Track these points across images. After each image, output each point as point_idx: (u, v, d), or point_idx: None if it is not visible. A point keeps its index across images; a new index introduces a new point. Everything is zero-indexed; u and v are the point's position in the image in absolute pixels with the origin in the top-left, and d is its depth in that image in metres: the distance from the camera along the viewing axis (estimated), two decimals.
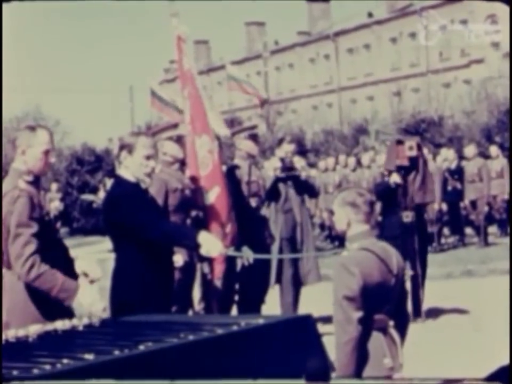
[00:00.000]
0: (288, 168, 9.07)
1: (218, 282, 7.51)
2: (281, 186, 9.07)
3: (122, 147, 5.25)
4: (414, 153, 9.57)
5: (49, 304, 4.77)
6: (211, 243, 5.17)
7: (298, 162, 9.56)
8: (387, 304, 4.68)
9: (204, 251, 5.16)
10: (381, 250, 4.76)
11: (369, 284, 4.59)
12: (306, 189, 9.28)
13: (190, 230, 5.52)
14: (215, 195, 7.15)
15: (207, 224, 7.12)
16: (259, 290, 8.40)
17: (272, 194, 8.98)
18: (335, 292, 4.61)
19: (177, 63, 7.32)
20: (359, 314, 4.53)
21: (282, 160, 9.04)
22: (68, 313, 4.77)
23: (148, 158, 5.24)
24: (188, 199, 7.44)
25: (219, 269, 7.21)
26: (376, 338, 4.64)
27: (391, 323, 4.70)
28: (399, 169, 9.59)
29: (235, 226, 7.28)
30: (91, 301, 4.81)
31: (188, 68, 7.23)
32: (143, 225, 5.08)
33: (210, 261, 7.17)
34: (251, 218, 8.21)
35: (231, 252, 6.42)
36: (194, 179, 7.19)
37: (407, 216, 9.48)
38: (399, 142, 9.77)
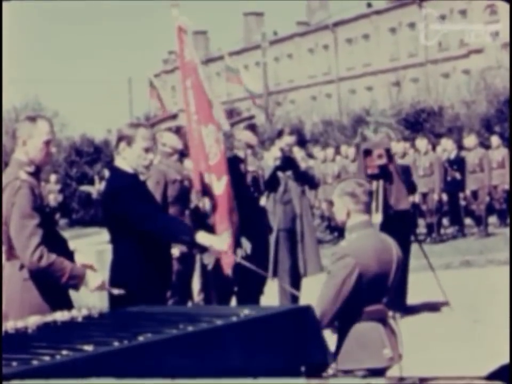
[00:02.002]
0: (287, 158, 9.05)
1: (217, 273, 7.51)
2: (280, 176, 9.05)
3: (121, 138, 5.24)
4: (383, 161, 9.36)
5: (47, 295, 4.77)
6: (216, 239, 5.24)
7: (298, 153, 9.53)
8: (386, 295, 4.68)
9: (214, 247, 5.22)
10: (380, 241, 4.77)
11: (367, 274, 4.60)
12: (306, 179, 9.26)
13: (188, 226, 5.52)
14: (224, 184, 7.17)
15: (217, 213, 7.13)
16: (258, 281, 8.39)
17: (272, 183, 8.96)
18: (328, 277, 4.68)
19: (178, 53, 7.30)
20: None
21: (281, 150, 9.02)
22: (66, 304, 4.78)
23: (147, 150, 5.23)
24: (187, 190, 7.43)
25: (228, 262, 7.22)
26: (375, 329, 4.65)
27: (391, 314, 4.71)
28: (370, 177, 9.29)
29: (237, 216, 7.30)
30: (98, 283, 4.88)
31: (190, 58, 7.21)
32: (142, 217, 5.08)
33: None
34: (250, 209, 8.21)
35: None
36: (203, 169, 7.18)
37: (376, 218, 9.20)
38: (367, 152, 9.52)
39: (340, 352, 4.67)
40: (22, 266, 4.74)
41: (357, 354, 4.63)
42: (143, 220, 5.08)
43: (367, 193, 4.78)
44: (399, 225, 9.17)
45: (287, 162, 9.02)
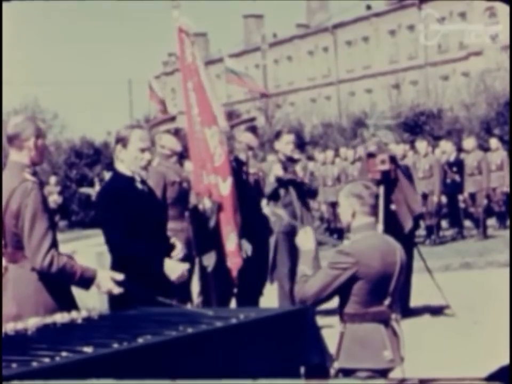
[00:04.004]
0: (289, 158, 9.06)
1: (216, 275, 7.51)
2: (281, 189, 9.06)
3: (117, 140, 5.28)
4: (386, 167, 9.22)
5: (56, 295, 4.77)
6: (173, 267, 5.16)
7: (299, 169, 9.51)
8: (389, 296, 4.69)
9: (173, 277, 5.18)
10: (384, 242, 4.78)
11: (369, 274, 4.61)
12: (307, 192, 9.28)
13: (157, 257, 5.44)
14: (229, 185, 7.17)
15: (223, 214, 7.13)
16: (257, 283, 8.39)
17: (273, 196, 8.99)
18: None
19: (179, 55, 7.29)
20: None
21: (284, 168, 9.02)
22: (73, 304, 4.80)
23: (143, 151, 5.25)
24: (186, 191, 7.43)
25: (236, 263, 7.23)
26: (376, 330, 4.65)
27: (394, 316, 4.71)
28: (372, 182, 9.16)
29: (239, 217, 7.31)
30: (111, 285, 4.87)
31: (191, 60, 7.19)
32: (114, 243, 5.19)
33: (223, 256, 7.20)
34: (251, 211, 8.20)
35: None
36: (209, 170, 7.17)
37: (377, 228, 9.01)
38: (371, 155, 9.39)
39: (340, 351, 4.68)
40: (34, 267, 4.74)
41: (357, 354, 4.63)
42: (114, 246, 5.19)
43: (373, 196, 4.82)
44: (399, 231, 9.06)
45: (289, 182, 9.03)
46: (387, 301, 4.69)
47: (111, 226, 5.18)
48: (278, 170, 8.97)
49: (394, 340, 4.70)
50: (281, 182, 8.96)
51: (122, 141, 5.24)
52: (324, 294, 4.67)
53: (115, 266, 5.18)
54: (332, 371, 4.61)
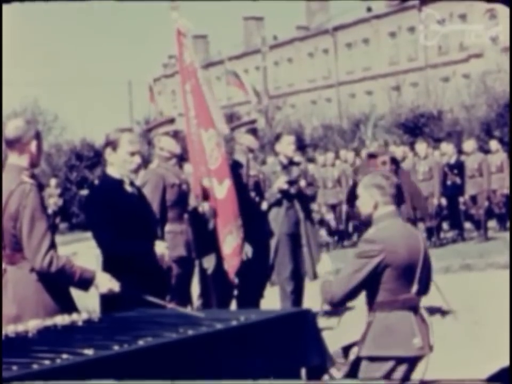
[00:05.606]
0: (290, 160, 9.07)
1: (216, 278, 7.51)
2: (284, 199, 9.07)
3: (107, 144, 5.32)
4: (386, 168, 9.15)
5: (56, 296, 4.77)
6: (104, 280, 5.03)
7: (297, 157, 9.53)
8: (416, 283, 4.67)
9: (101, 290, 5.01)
10: (407, 229, 4.76)
11: (396, 261, 4.58)
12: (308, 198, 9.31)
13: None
14: (226, 188, 7.16)
15: (219, 217, 7.13)
16: (258, 285, 8.39)
17: (275, 203, 9.00)
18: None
19: (178, 57, 7.30)
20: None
21: (282, 164, 9.02)
22: (72, 305, 4.80)
23: (132, 154, 5.27)
24: (186, 194, 7.43)
25: (233, 266, 7.22)
26: (406, 317, 4.63)
27: (421, 304, 4.71)
28: None
29: (241, 220, 7.31)
30: (111, 285, 4.86)
31: (189, 61, 7.20)
32: (104, 244, 5.21)
33: (219, 255, 7.20)
34: (251, 214, 8.21)
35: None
36: (203, 173, 7.17)
37: None
38: (371, 156, 9.38)
39: (366, 339, 4.64)
40: (32, 268, 4.75)
41: (386, 342, 4.57)
42: (102, 245, 5.22)
43: (393, 186, 4.77)
44: None
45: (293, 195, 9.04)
46: (414, 288, 4.67)
47: (100, 228, 5.19)
48: (282, 184, 8.93)
49: (424, 327, 4.67)
50: (284, 194, 8.97)
51: (111, 144, 5.29)
52: (353, 284, 4.59)
53: (106, 267, 5.19)
54: (352, 356, 4.58)
